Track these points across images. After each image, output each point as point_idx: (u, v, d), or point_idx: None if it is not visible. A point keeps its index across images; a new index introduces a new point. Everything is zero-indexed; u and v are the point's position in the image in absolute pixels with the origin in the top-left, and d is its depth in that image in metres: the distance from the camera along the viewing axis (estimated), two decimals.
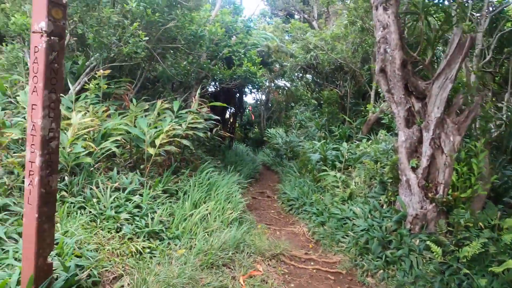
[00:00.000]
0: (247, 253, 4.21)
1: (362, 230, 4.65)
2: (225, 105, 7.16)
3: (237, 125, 15.01)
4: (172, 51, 7.42)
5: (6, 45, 7.54)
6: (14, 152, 4.14)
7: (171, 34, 6.65)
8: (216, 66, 8.51)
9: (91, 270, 2.75)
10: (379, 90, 6.74)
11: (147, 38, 5.79)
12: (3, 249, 2.72)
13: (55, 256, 2.59)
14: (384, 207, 5.09)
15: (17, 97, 5.31)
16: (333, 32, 10.20)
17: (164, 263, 3.46)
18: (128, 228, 3.75)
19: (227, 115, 13.55)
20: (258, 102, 18.30)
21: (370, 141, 7.76)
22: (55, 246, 2.85)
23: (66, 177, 4.04)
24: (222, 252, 3.96)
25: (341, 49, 10.10)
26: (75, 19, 5.55)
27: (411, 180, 4.52)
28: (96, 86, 5.47)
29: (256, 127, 19.05)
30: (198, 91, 6.58)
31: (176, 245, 3.92)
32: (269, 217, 6.50)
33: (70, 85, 5.79)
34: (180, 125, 5.66)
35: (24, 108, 4.92)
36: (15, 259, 2.58)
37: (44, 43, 2.04)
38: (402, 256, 4.03)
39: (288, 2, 18.27)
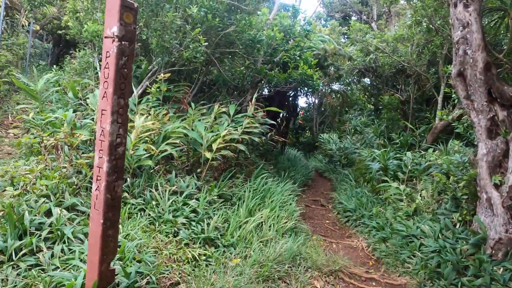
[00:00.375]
0: (304, 267, 3.99)
1: (432, 252, 4.18)
2: (280, 110, 6.98)
3: (289, 129, 14.78)
4: (229, 56, 7.45)
5: (79, 51, 8.14)
6: (83, 153, 4.35)
7: (230, 38, 6.66)
8: (272, 71, 8.40)
9: (150, 276, 2.72)
10: (452, 95, 6.11)
11: (206, 43, 5.83)
12: (70, 249, 2.80)
13: (117, 261, 2.60)
14: (457, 227, 4.56)
15: (87, 100, 5.64)
16: (396, 33, 9.58)
17: (219, 272, 3.37)
18: (184, 233, 3.73)
19: (280, 119, 13.41)
20: (311, 106, 17.92)
21: (437, 151, 7.09)
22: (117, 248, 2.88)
23: (128, 179, 4.15)
24: (278, 264, 3.78)
25: (405, 51, 9.43)
26: (141, 24, 5.75)
27: (494, 199, 3.97)
28: (157, 89, 5.62)
29: (307, 131, 18.66)
30: (255, 95, 6.49)
31: (231, 253, 3.82)
32: (324, 228, 6.20)
33: (133, 88, 6.03)
34: (236, 129, 5.60)
35: (93, 111, 5.19)
36: (81, 260, 2.64)
37: (115, 47, 2.03)
38: (482, 285, 3.53)
39: (345, 4, 17.70)
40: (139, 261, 2.87)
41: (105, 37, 2.06)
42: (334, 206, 7.44)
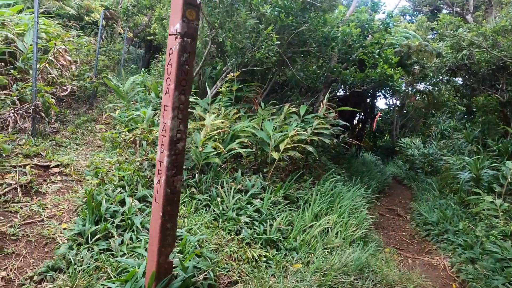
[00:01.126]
0: (372, 281, 3.64)
1: None
2: (355, 109, 6.58)
3: (365, 132, 14.00)
4: (302, 55, 7.29)
5: (162, 55, 8.80)
6: None
7: (303, 37, 6.50)
8: (347, 70, 7.99)
9: (208, 272, 2.74)
10: None
11: (278, 42, 5.77)
12: (137, 238, 2.98)
13: (177, 253, 2.67)
14: None
15: None
16: (497, 25, 8.33)
17: (279, 276, 3.26)
18: (246, 232, 3.70)
19: (355, 121, 12.77)
20: (391, 108, 16.71)
21: None
22: (179, 241, 2.97)
23: (196, 175, 4.29)
24: (342, 275, 3.52)
25: (508, 45, 8.15)
26: (216, 24, 5.92)
27: None
28: (227, 89, 5.75)
29: (387, 135, 17.44)
30: (327, 95, 6.23)
31: (292, 257, 3.68)
32: (399, 240, 5.66)
33: (207, 89, 6.27)
34: (305, 130, 5.43)
35: None
36: (145, 249, 2.77)
37: (178, 44, 2.07)
38: None
39: None
40: (199, 256, 2.92)
41: (169, 34, 2.12)
42: (412, 217, 6.79)
